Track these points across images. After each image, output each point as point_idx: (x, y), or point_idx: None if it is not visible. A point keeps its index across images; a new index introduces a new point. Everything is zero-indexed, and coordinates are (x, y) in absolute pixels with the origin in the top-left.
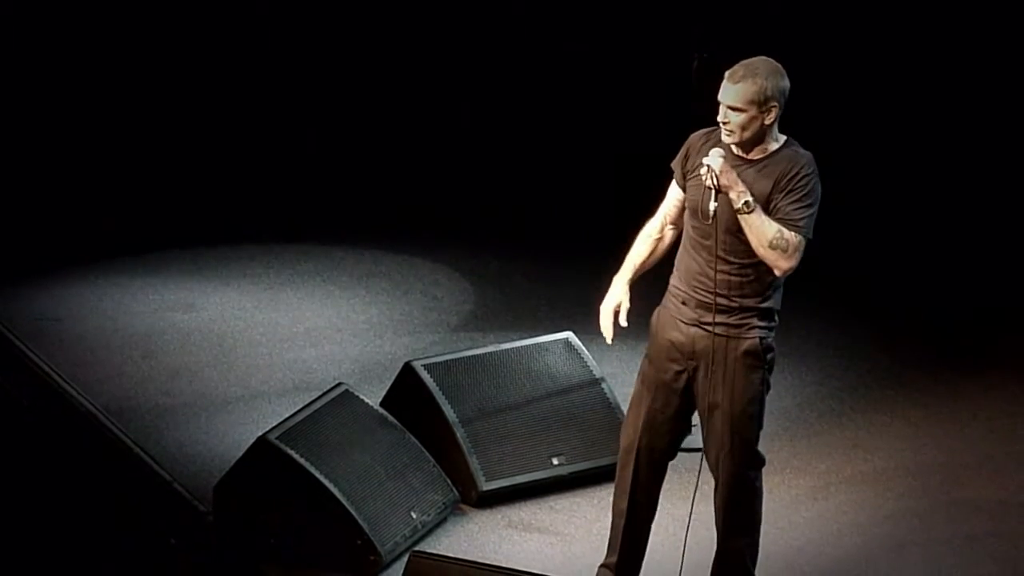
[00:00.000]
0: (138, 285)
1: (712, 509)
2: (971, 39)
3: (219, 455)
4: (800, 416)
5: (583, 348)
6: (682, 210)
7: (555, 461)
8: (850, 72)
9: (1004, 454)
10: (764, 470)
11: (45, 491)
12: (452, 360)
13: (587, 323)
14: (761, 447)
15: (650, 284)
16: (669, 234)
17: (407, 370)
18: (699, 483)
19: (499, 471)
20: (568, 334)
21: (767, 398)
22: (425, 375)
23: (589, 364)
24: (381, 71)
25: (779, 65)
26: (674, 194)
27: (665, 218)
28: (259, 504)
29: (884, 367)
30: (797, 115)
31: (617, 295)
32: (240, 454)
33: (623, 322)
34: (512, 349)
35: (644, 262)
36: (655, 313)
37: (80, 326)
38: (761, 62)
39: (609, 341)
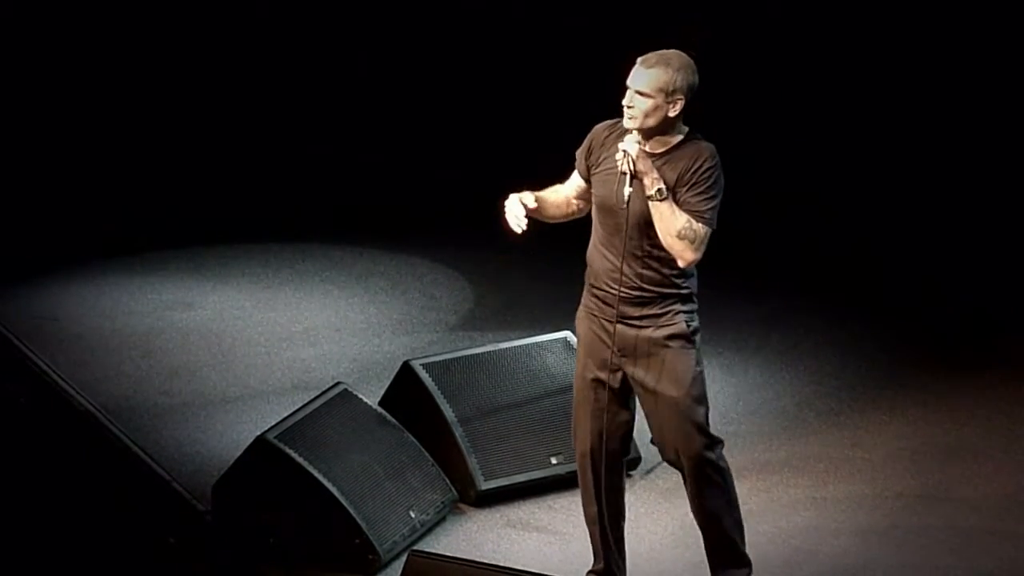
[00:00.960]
0: (137, 284)
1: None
2: (972, 41)
3: (218, 454)
4: (798, 415)
5: None
6: (582, 193)
7: (553, 460)
8: (852, 73)
9: (1002, 453)
10: (763, 468)
11: (44, 490)
12: (450, 359)
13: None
14: (760, 446)
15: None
16: (575, 207)
17: (406, 369)
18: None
19: (498, 470)
20: (566, 333)
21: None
22: (424, 374)
23: None
24: (378, 69)
25: (692, 62)
26: (574, 182)
27: (570, 194)
28: (258, 503)
29: (882, 366)
30: (801, 113)
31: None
32: (239, 453)
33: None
34: (510, 348)
35: (548, 209)
36: (577, 314)
37: (79, 325)
38: (676, 54)
39: (519, 229)
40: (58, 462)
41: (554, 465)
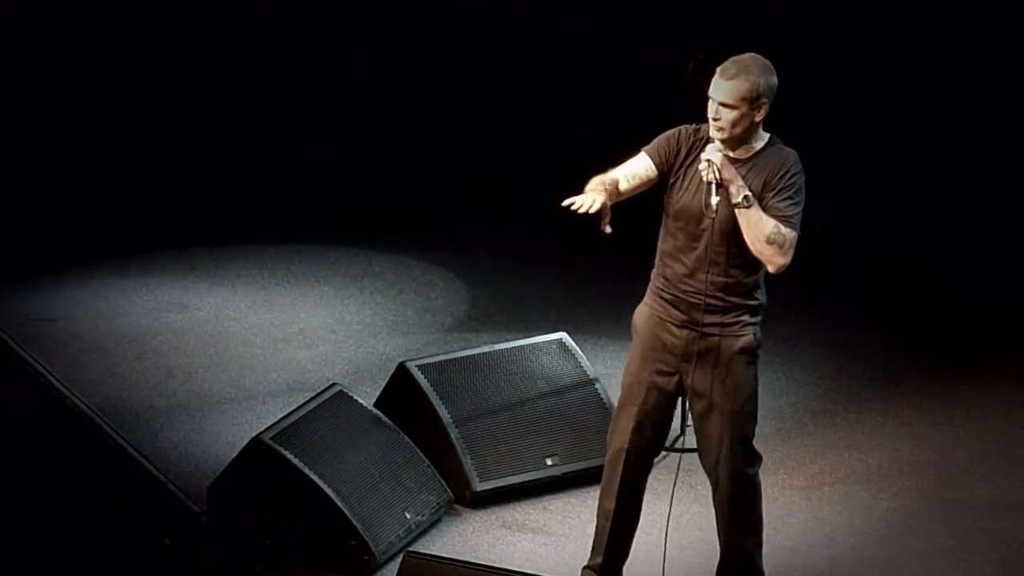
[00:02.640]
0: (132, 285)
1: (709, 510)
2: (972, 44)
3: (213, 455)
4: (794, 416)
5: (577, 349)
6: (642, 181)
7: (549, 461)
8: (844, 71)
9: (997, 454)
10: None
11: (39, 491)
12: (446, 360)
13: (581, 324)
14: (755, 447)
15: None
16: (622, 187)
17: (401, 370)
18: (676, 483)
19: (493, 471)
20: (562, 335)
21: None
22: (419, 375)
23: (583, 365)
24: (376, 69)
25: (769, 63)
26: (642, 168)
27: (625, 178)
28: (253, 504)
29: (878, 367)
30: (792, 114)
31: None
32: (234, 454)
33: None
34: (506, 350)
35: (616, 191)
36: (637, 312)
37: (74, 326)
38: (752, 59)
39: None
40: (54, 463)
41: (549, 466)
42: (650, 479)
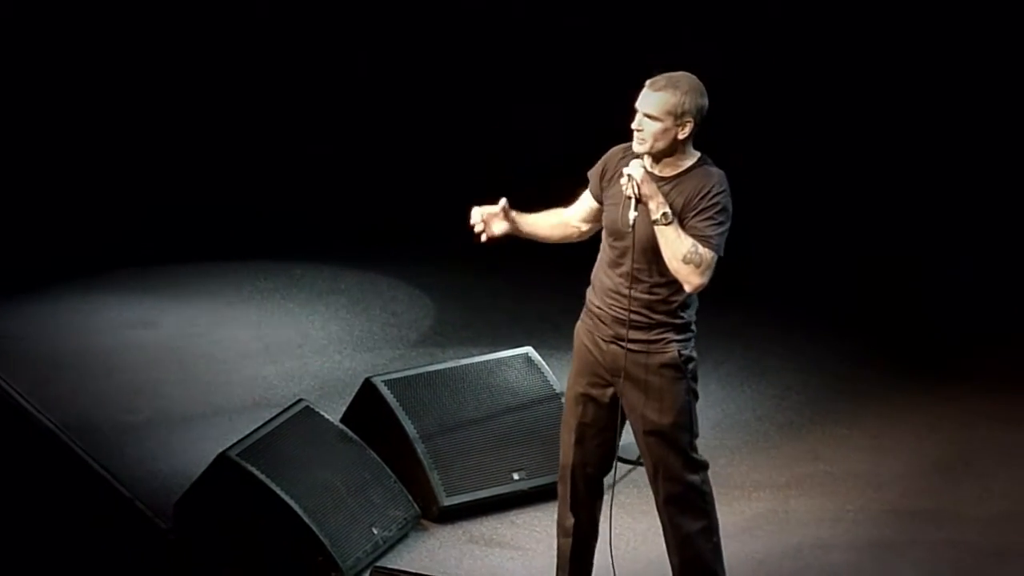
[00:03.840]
0: (97, 303)
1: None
2: (946, 50)
3: (180, 472)
4: (760, 429)
5: (543, 363)
6: (588, 216)
7: (516, 476)
8: (811, 83)
9: (962, 465)
10: (724, 481)
11: (5, 508)
12: (412, 376)
13: (547, 338)
14: (721, 460)
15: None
16: (578, 228)
17: (367, 386)
18: (614, 493)
19: (460, 486)
20: (528, 349)
21: (698, 406)
22: (385, 391)
23: (549, 379)
24: (338, 84)
25: (701, 84)
26: (585, 202)
27: (573, 216)
28: (220, 521)
29: (844, 380)
30: (758, 128)
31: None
32: (201, 471)
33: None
34: (472, 364)
35: (541, 229)
36: (575, 330)
37: (40, 344)
38: (684, 76)
39: (478, 228)
40: (20, 480)
41: (516, 481)
42: (617, 492)
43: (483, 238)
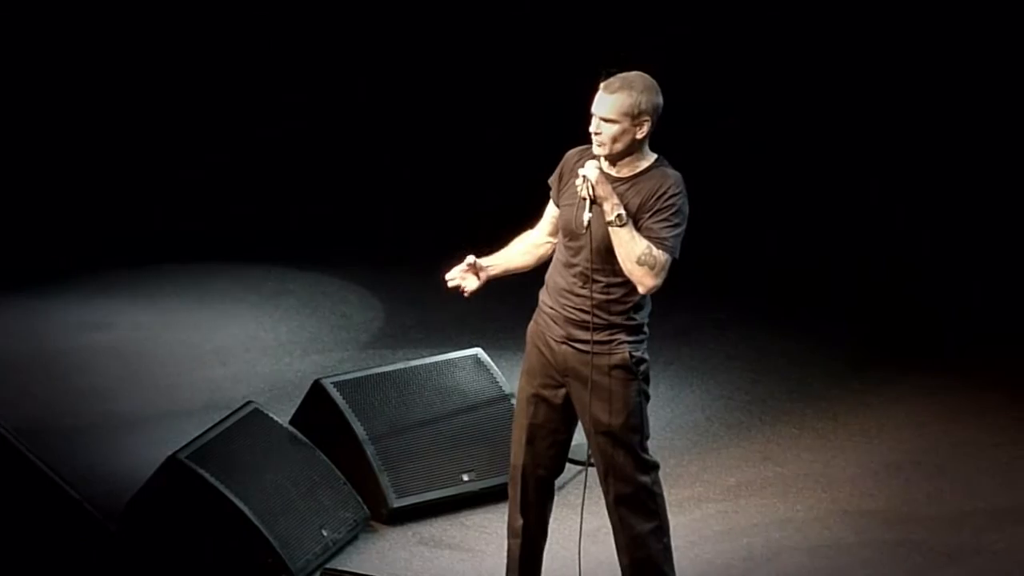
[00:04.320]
0: (47, 306)
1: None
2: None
3: (130, 474)
4: (709, 429)
5: (492, 364)
6: (557, 227)
7: (465, 477)
8: (760, 82)
9: (912, 464)
10: (674, 483)
11: None
12: (361, 377)
13: (496, 340)
14: (671, 461)
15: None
16: (546, 248)
17: (316, 388)
18: (585, 496)
19: (409, 488)
20: (477, 350)
21: (648, 407)
22: (335, 393)
23: (498, 380)
24: (288, 88)
25: (655, 82)
26: (550, 211)
27: (542, 233)
28: (169, 523)
29: (793, 380)
30: (707, 129)
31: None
32: (150, 473)
33: (466, 284)
34: (421, 366)
35: (515, 262)
36: (528, 329)
37: None
38: (638, 76)
39: (451, 283)
40: None
41: (466, 482)
42: (567, 492)
43: (466, 294)
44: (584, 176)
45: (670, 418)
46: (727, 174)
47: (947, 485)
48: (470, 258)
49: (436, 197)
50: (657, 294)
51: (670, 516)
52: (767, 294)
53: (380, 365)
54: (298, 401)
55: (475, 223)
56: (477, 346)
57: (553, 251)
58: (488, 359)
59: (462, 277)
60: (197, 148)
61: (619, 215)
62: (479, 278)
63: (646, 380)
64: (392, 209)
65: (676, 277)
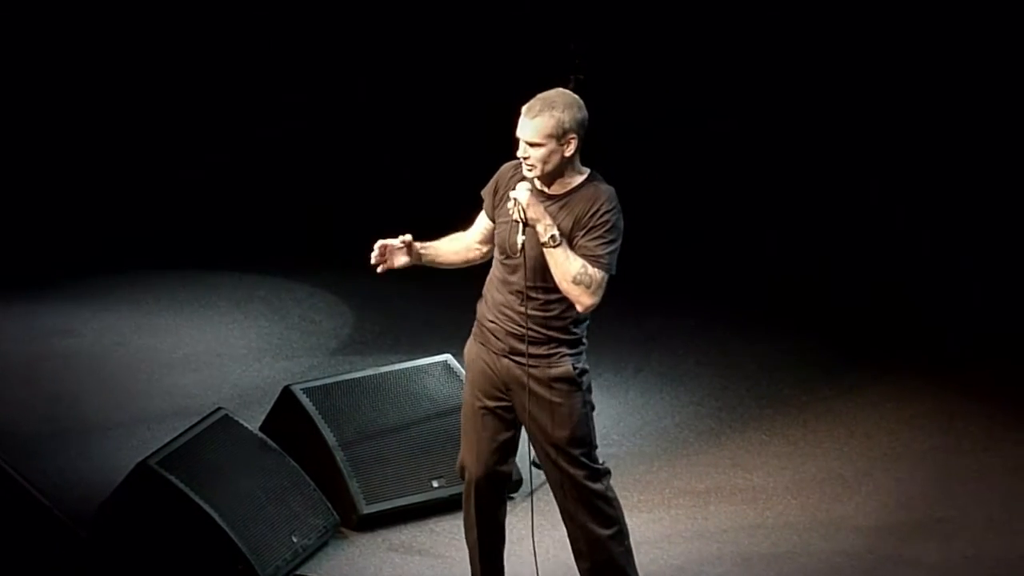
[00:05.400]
0: (17, 311)
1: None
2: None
3: (99, 481)
4: (679, 436)
5: (461, 370)
6: (488, 236)
7: (435, 483)
8: (723, 87)
9: (882, 471)
10: (644, 489)
11: None
12: (331, 384)
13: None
14: (641, 468)
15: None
16: (479, 250)
17: (286, 394)
18: (533, 500)
19: (379, 494)
20: (447, 356)
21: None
22: (304, 399)
23: None
24: (257, 96)
25: (577, 97)
26: (481, 222)
27: (472, 240)
28: (139, 529)
29: (762, 387)
30: (673, 131)
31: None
32: (120, 479)
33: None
34: (391, 372)
35: (445, 256)
36: (467, 344)
37: None
38: (557, 95)
39: (373, 260)
40: None
41: (436, 488)
42: (536, 499)
43: (379, 269)
44: (515, 199)
45: (640, 424)
46: (701, 180)
47: (917, 492)
48: (407, 237)
49: (404, 203)
50: (627, 300)
51: (639, 522)
52: (737, 300)
53: (350, 371)
54: (268, 407)
55: (445, 230)
56: (446, 352)
57: (479, 260)
58: (458, 365)
59: (391, 252)
60: (163, 157)
61: (553, 236)
62: (408, 257)
63: (589, 390)
64: (362, 215)
65: (646, 284)
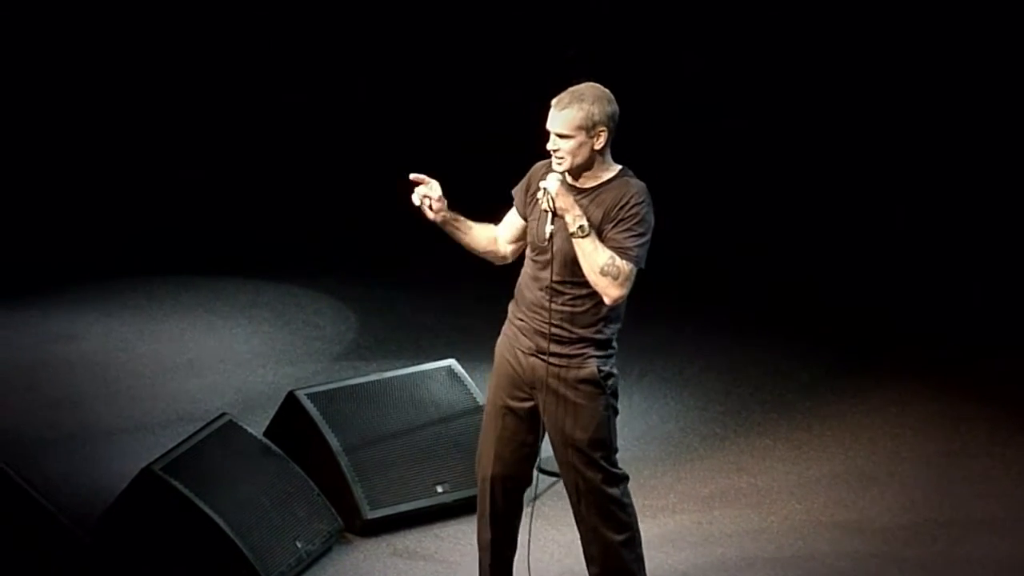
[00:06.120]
0: (20, 317)
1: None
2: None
3: (103, 487)
4: (683, 441)
5: (466, 375)
6: (515, 235)
7: (439, 488)
8: (709, 92)
9: (887, 475)
10: (648, 493)
11: None
12: (335, 389)
13: (470, 351)
14: (645, 472)
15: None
16: (503, 248)
17: (290, 399)
18: (535, 505)
19: (383, 499)
20: (451, 362)
21: (622, 418)
22: (308, 404)
23: (472, 391)
24: (257, 101)
25: (607, 91)
26: (510, 220)
27: (501, 236)
28: (143, 535)
29: (767, 391)
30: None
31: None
32: (124, 485)
33: (432, 202)
34: (395, 377)
35: (472, 234)
36: (498, 341)
37: None
38: (588, 88)
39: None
40: None
41: (440, 493)
42: (539, 504)
43: (419, 201)
44: (545, 188)
45: (644, 429)
46: (709, 183)
47: (921, 496)
48: (441, 196)
49: (407, 209)
50: (632, 304)
51: (644, 527)
52: (742, 305)
53: (354, 376)
54: (272, 413)
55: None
56: (451, 357)
57: (500, 257)
58: (462, 370)
59: (432, 198)
60: (166, 162)
61: (581, 226)
62: (440, 210)
63: (614, 395)
64: (367, 222)
65: (651, 288)
